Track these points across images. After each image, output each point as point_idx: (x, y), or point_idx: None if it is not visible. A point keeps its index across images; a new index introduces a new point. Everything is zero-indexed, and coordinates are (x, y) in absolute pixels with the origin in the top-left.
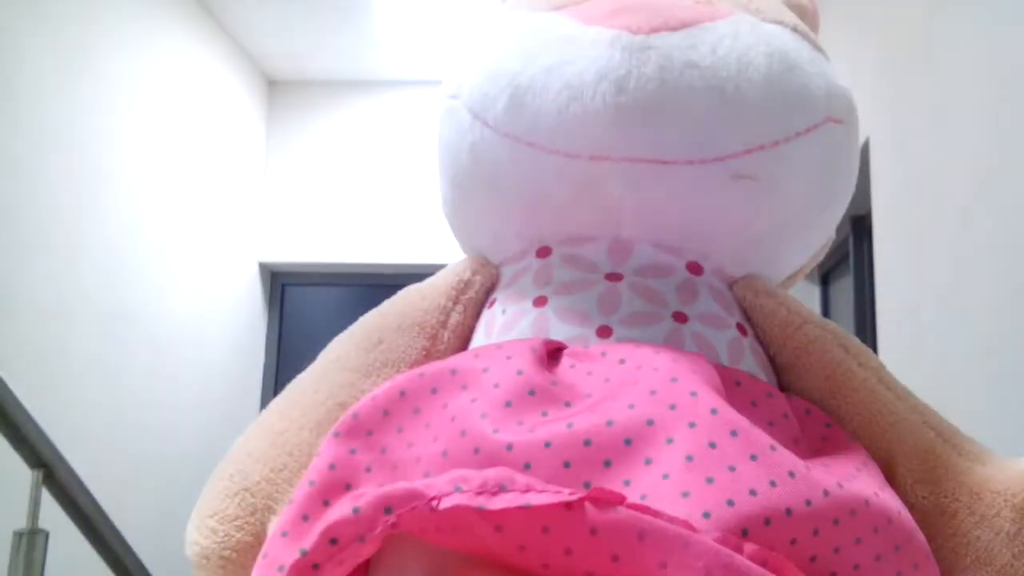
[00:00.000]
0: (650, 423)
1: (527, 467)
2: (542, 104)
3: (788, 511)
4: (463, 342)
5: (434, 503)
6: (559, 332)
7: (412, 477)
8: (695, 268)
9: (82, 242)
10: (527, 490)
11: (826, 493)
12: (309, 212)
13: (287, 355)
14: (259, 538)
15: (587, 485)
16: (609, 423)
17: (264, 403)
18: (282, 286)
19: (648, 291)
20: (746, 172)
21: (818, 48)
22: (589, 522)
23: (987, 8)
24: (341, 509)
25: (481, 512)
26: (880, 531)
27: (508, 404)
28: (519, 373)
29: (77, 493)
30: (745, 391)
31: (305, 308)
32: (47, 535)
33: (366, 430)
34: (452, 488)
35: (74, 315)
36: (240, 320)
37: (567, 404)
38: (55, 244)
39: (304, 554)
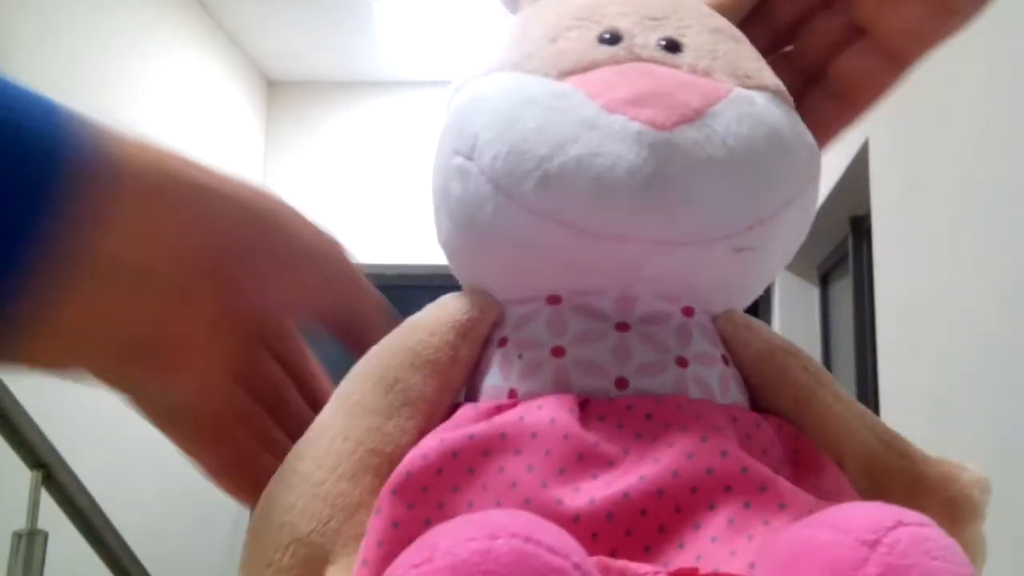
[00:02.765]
0: (694, 491)
1: (594, 536)
2: (573, 192)
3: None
4: (470, 375)
5: None
6: (581, 383)
7: None
8: (688, 312)
9: None
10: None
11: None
12: (308, 213)
13: None
14: None
15: (648, 550)
16: (660, 493)
17: None
18: None
19: (653, 339)
20: (746, 245)
21: (790, 102)
22: None
23: (987, 8)
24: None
25: None
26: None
27: (562, 471)
28: (566, 437)
29: (77, 493)
30: (741, 425)
31: None
32: (47, 535)
33: (421, 487)
34: None
35: None
36: None
37: (610, 463)
38: None
39: None
